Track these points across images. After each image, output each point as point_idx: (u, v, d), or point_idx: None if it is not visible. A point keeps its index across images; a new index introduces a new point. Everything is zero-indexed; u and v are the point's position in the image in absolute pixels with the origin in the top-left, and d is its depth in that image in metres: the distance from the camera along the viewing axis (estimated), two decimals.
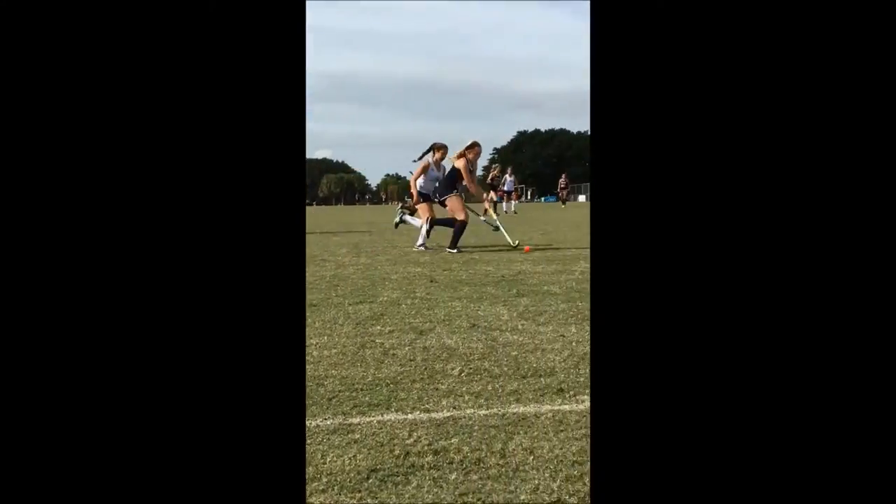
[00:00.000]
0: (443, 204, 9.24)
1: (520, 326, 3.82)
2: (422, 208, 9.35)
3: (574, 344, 3.35)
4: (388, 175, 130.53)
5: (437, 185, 9.39)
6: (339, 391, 2.62)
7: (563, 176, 33.59)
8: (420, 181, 9.42)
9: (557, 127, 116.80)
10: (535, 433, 2.15)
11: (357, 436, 2.14)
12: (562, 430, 2.17)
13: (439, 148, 9.51)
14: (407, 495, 1.74)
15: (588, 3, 1.23)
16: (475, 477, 1.84)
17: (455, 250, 8.65)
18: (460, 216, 8.97)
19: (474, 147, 9.34)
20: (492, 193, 10.36)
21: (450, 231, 9.01)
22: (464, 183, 9.21)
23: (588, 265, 5.48)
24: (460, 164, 9.18)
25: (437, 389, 2.63)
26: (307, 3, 1.18)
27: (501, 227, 9.87)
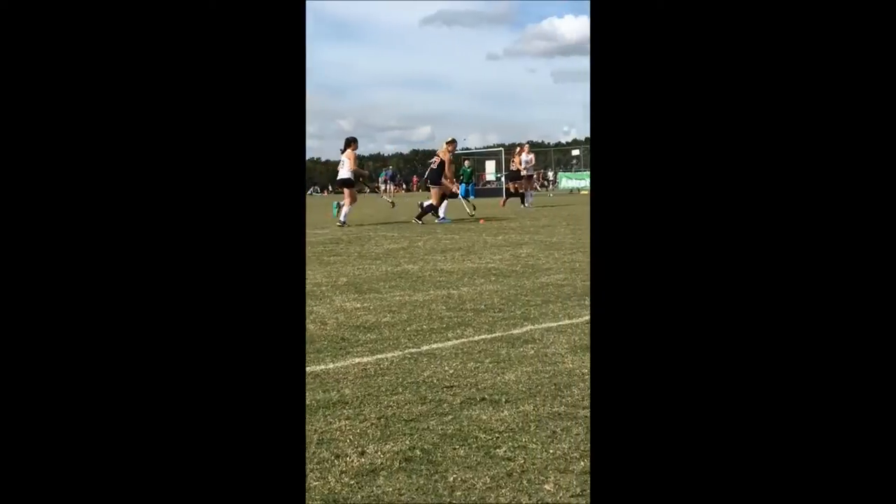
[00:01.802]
0: (427, 188, 12.73)
1: None
2: (349, 193, 12.01)
3: None
4: None
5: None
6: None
7: None
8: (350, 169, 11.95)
9: None
10: None
11: None
12: None
13: (354, 141, 12.06)
14: None
15: (588, 3, 1.23)
16: None
17: (420, 222, 11.90)
18: (434, 202, 12.21)
19: (454, 142, 12.60)
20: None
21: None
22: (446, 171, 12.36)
23: None
24: (447, 157, 12.15)
25: None
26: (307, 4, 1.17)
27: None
